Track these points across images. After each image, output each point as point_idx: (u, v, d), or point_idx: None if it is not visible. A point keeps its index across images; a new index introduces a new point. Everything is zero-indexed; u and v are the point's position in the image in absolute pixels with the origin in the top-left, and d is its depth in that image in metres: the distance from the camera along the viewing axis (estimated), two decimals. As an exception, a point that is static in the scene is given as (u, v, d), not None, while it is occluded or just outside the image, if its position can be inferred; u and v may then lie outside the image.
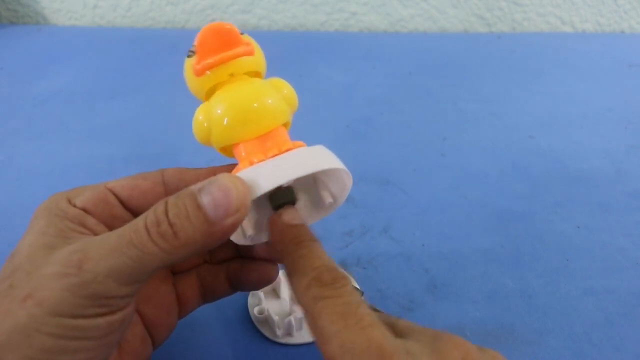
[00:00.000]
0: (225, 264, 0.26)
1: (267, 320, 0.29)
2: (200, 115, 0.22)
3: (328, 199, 0.24)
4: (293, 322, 0.27)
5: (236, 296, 0.27)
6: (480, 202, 0.39)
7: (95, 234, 0.20)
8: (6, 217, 0.38)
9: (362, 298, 0.29)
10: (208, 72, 0.22)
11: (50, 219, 0.20)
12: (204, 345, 0.28)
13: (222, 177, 0.19)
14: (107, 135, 0.48)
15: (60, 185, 0.41)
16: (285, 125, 0.23)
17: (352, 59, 0.66)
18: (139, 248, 0.18)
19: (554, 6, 0.77)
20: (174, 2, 0.77)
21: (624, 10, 0.77)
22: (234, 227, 0.19)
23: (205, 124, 0.22)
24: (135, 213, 0.22)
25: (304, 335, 0.28)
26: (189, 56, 0.22)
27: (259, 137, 0.22)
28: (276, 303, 0.29)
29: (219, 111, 0.21)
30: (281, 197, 0.22)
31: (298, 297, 0.19)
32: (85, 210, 0.21)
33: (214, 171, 0.24)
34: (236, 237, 0.23)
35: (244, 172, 0.21)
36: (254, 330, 0.29)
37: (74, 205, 0.21)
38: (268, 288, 0.30)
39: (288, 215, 0.21)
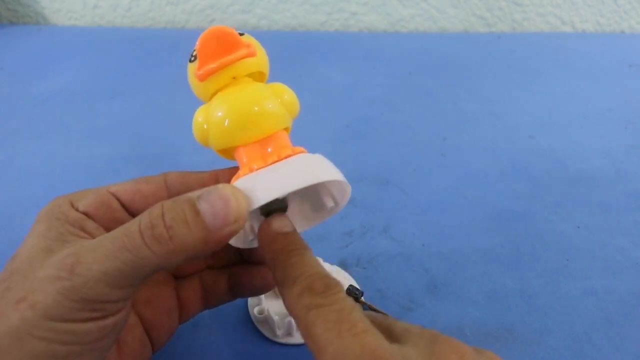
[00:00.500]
0: (226, 269, 0.26)
1: (267, 320, 0.29)
2: (199, 117, 0.23)
3: (330, 203, 0.24)
4: (293, 322, 0.27)
5: (236, 296, 0.27)
6: (480, 202, 0.39)
7: (95, 237, 0.20)
8: (6, 217, 0.38)
9: (362, 299, 0.29)
10: (212, 75, 0.22)
11: (51, 223, 0.20)
12: (204, 345, 0.28)
13: (223, 187, 0.19)
14: (107, 135, 0.48)
15: (60, 185, 0.41)
16: (285, 130, 0.23)
17: (352, 59, 0.66)
18: (131, 252, 0.17)
19: (554, 6, 0.77)
20: (174, 2, 0.77)
21: (624, 10, 0.77)
22: (229, 237, 0.19)
23: (205, 126, 0.22)
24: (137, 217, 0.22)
25: (304, 335, 0.28)
26: (191, 61, 0.22)
27: (260, 142, 0.22)
28: (276, 303, 0.29)
29: (219, 114, 0.21)
30: (271, 205, 0.21)
31: (289, 306, 0.19)
32: (86, 214, 0.21)
33: (216, 175, 0.24)
34: (236, 241, 0.23)
35: (242, 182, 0.21)
36: (254, 330, 0.29)
37: (76, 209, 0.21)
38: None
39: (278, 223, 0.21)
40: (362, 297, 0.30)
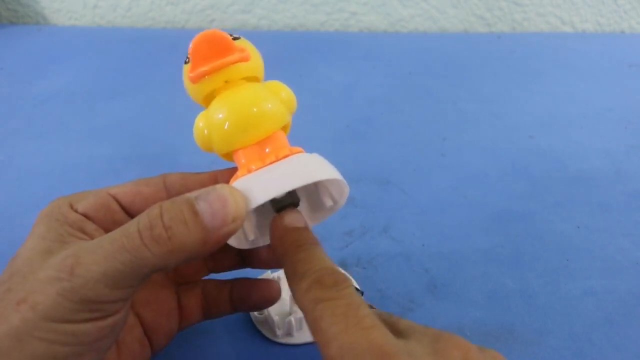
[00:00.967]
0: (229, 282, 0.26)
1: (267, 320, 0.29)
2: (200, 123, 0.23)
3: (329, 203, 0.24)
4: (293, 322, 0.27)
5: (236, 296, 0.27)
6: (480, 202, 0.39)
7: (94, 239, 0.20)
8: (6, 217, 0.38)
9: (362, 298, 0.29)
10: (204, 78, 0.22)
11: (51, 224, 0.20)
12: (204, 345, 0.28)
13: (221, 187, 0.19)
14: (107, 135, 0.48)
15: (60, 185, 0.41)
16: (284, 127, 0.23)
17: (352, 59, 0.66)
18: (130, 252, 0.18)
19: (554, 6, 0.77)
20: (174, 2, 0.77)
21: (624, 10, 0.77)
22: (227, 237, 0.19)
23: (206, 131, 0.22)
24: None
25: (304, 335, 0.28)
26: (186, 62, 0.22)
27: (258, 143, 0.22)
28: (276, 303, 0.29)
29: (219, 117, 0.22)
30: (283, 200, 0.22)
31: (298, 299, 0.19)
32: (86, 215, 0.21)
33: (215, 176, 0.24)
34: (237, 242, 0.23)
35: (240, 183, 0.21)
36: (254, 330, 0.29)
37: (76, 211, 0.21)
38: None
39: (290, 218, 0.21)
40: (362, 297, 0.30)
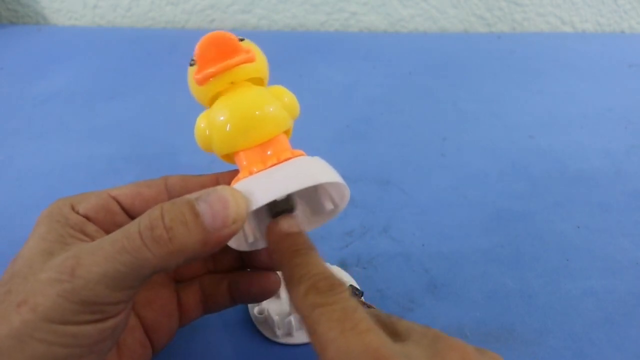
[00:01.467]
0: (227, 274, 0.26)
1: (267, 320, 0.29)
2: (202, 123, 0.23)
3: (329, 206, 0.24)
4: (293, 322, 0.27)
5: (236, 296, 0.27)
6: (480, 202, 0.39)
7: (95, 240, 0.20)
8: (6, 217, 0.38)
9: (362, 299, 0.29)
10: (210, 80, 0.22)
11: (52, 225, 0.20)
12: (204, 345, 0.28)
13: (222, 189, 0.19)
14: (107, 135, 0.48)
15: (60, 185, 0.41)
16: (286, 132, 0.23)
17: (352, 59, 0.66)
18: (131, 254, 0.18)
19: (554, 6, 0.77)
20: (174, 2, 0.77)
21: (624, 10, 0.77)
22: (228, 238, 0.19)
23: (207, 132, 0.22)
24: None
25: (304, 335, 0.28)
26: (191, 65, 0.22)
27: (260, 145, 0.22)
28: (276, 303, 0.29)
29: (221, 119, 0.22)
30: (279, 205, 0.22)
31: (295, 305, 0.19)
32: (87, 217, 0.21)
33: (216, 178, 0.24)
34: (237, 244, 0.23)
35: (241, 185, 0.21)
36: (254, 330, 0.29)
37: (77, 212, 0.21)
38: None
39: (286, 223, 0.21)
40: (362, 297, 0.30)
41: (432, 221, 0.37)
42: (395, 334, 0.19)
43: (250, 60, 0.22)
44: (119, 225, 0.21)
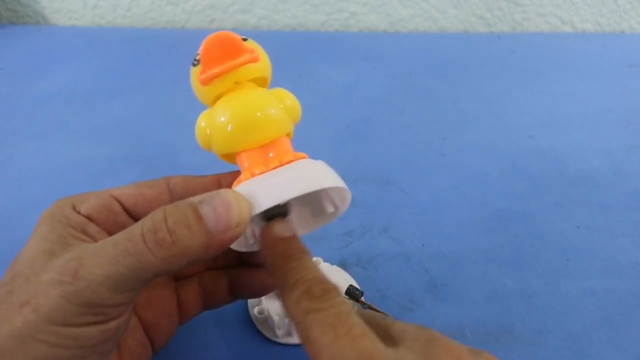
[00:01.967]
0: (226, 271, 0.26)
1: (267, 320, 0.29)
2: (202, 122, 0.23)
3: (330, 209, 0.24)
4: (293, 322, 0.27)
5: (236, 296, 0.27)
6: (480, 202, 0.39)
7: (97, 241, 0.20)
8: (6, 217, 0.38)
9: (361, 299, 0.29)
10: (215, 80, 0.22)
11: (53, 225, 0.20)
12: (204, 345, 0.28)
13: (225, 192, 0.19)
14: (107, 135, 0.48)
15: (60, 185, 0.41)
16: (287, 135, 0.23)
17: (352, 59, 0.66)
18: (134, 256, 0.18)
19: (554, 6, 0.77)
20: (174, 2, 0.77)
21: (624, 10, 0.77)
22: (231, 241, 0.19)
23: (208, 131, 0.22)
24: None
25: (304, 335, 0.28)
26: (194, 65, 0.22)
27: (262, 147, 0.22)
28: (276, 303, 0.29)
29: (222, 119, 0.22)
30: (272, 210, 0.21)
31: (289, 310, 0.19)
32: (89, 217, 0.21)
33: (218, 179, 0.24)
34: (237, 245, 0.23)
35: (244, 188, 0.21)
36: (254, 330, 0.29)
37: (78, 212, 0.21)
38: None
39: (279, 228, 0.21)
40: (362, 297, 0.30)
41: (432, 221, 0.37)
42: (389, 338, 0.19)
43: (255, 60, 0.22)
44: (120, 226, 0.21)
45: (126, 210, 0.22)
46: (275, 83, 0.24)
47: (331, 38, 0.75)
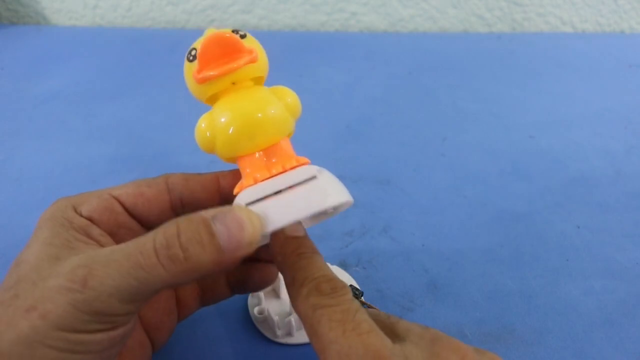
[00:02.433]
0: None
1: (267, 320, 0.29)
2: (203, 124, 0.22)
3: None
4: (293, 322, 0.27)
5: (236, 296, 0.27)
6: (480, 202, 0.39)
7: (100, 244, 0.20)
8: (6, 217, 0.38)
9: (362, 299, 0.29)
10: (211, 80, 0.22)
11: (56, 229, 0.20)
12: (204, 345, 0.28)
13: (238, 209, 0.19)
14: (107, 135, 0.48)
15: (60, 185, 0.41)
16: (288, 134, 0.23)
17: (352, 59, 0.66)
18: (145, 270, 0.18)
19: (554, 6, 0.77)
20: (174, 2, 0.77)
21: (624, 10, 0.77)
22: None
23: (208, 134, 0.22)
24: (140, 220, 0.23)
25: (304, 335, 0.28)
26: (189, 60, 0.22)
27: (264, 151, 0.22)
28: (276, 303, 0.29)
29: (223, 121, 0.21)
30: None
31: (297, 306, 0.19)
32: (90, 219, 0.21)
33: (217, 177, 0.24)
34: None
35: (249, 196, 0.21)
36: (254, 330, 0.29)
37: (80, 214, 0.21)
38: (268, 288, 0.30)
39: (291, 227, 0.21)
40: (362, 297, 0.30)
41: (432, 221, 0.37)
42: (394, 335, 0.19)
43: (253, 61, 0.21)
44: (122, 226, 0.21)
45: (127, 210, 0.22)
46: (275, 83, 0.24)
47: (331, 38, 0.75)
